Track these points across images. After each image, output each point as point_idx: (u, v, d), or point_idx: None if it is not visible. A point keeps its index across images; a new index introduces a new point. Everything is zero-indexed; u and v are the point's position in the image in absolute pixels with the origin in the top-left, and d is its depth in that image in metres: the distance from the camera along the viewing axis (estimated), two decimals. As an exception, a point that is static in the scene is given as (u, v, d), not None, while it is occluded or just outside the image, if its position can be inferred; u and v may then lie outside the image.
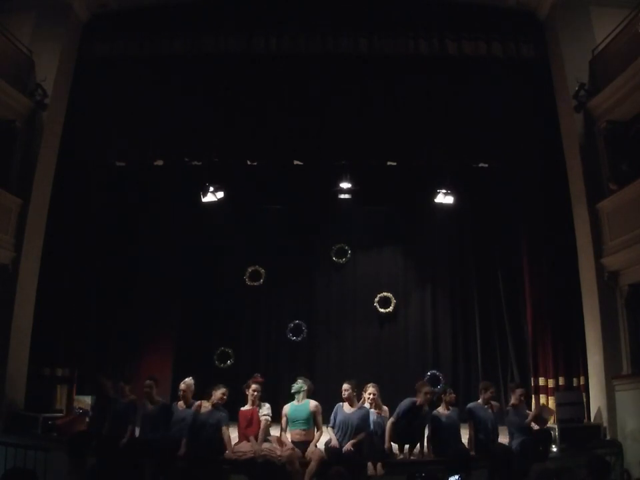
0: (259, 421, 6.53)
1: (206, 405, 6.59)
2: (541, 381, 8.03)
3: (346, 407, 6.58)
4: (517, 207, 8.73)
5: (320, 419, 6.56)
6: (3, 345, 7.33)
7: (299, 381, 6.69)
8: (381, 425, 6.61)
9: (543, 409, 6.93)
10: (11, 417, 7.13)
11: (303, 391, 6.58)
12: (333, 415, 6.58)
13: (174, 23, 8.66)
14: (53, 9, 8.33)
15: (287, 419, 6.54)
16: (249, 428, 6.52)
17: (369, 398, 6.70)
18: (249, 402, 6.67)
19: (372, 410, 6.65)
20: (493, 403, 7.16)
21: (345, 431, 6.39)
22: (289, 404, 6.62)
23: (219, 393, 6.50)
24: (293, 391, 6.63)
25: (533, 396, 8.05)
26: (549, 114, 8.47)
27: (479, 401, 7.07)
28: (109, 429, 6.60)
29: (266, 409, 6.62)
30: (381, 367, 9.90)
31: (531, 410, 7.21)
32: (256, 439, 6.41)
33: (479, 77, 8.59)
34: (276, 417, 6.81)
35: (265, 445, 6.32)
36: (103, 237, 8.47)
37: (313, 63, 8.62)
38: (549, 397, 7.86)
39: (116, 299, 9.02)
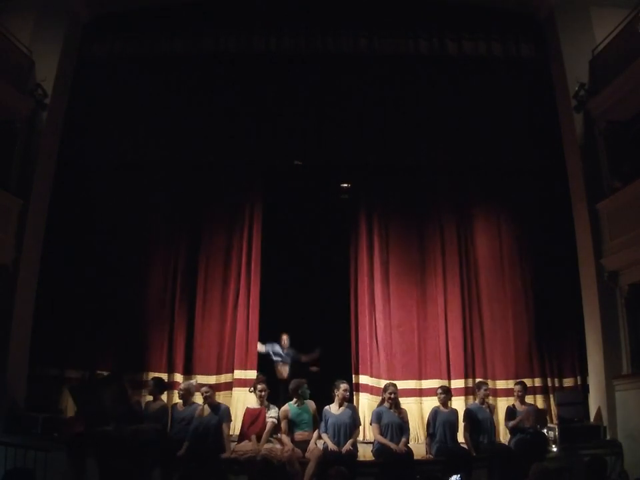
0: (265, 422, 6.54)
1: (207, 408, 6.64)
2: (540, 381, 8.02)
3: (334, 409, 6.61)
4: (517, 207, 8.72)
5: (317, 417, 6.61)
6: (3, 345, 7.32)
7: (305, 386, 6.68)
8: (401, 426, 6.60)
9: (527, 415, 6.88)
10: (11, 417, 7.11)
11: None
12: (322, 420, 6.59)
13: (174, 22, 8.68)
14: (53, 9, 8.34)
15: (289, 422, 6.54)
16: (253, 426, 6.54)
17: (388, 398, 6.69)
18: (257, 401, 6.70)
19: (391, 410, 6.66)
20: (490, 402, 7.19)
21: (339, 432, 6.42)
22: (288, 406, 6.62)
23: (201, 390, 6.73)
24: (305, 398, 6.62)
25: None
26: (549, 114, 8.47)
27: (476, 401, 7.10)
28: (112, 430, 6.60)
29: (274, 412, 6.62)
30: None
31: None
32: (258, 438, 6.43)
33: (479, 76, 8.62)
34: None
35: (266, 445, 6.32)
36: (102, 236, 8.45)
37: (313, 63, 8.63)
38: (548, 397, 7.90)
39: (116, 299, 8.98)
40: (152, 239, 8.58)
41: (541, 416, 7.12)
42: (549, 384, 7.97)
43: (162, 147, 8.53)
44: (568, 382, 7.96)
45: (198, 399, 6.94)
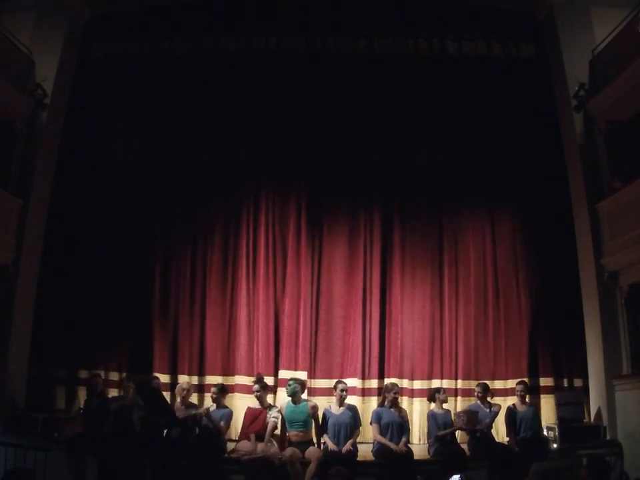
0: (265, 422, 6.55)
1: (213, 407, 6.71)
2: (541, 381, 8.02)
3: (334, 409, 6.63)
4: (517, 207, 8.72)
5: (319, 418, 6.60)
6: (3, 345, 7.32)
7: (291, 382, 6.69)
8: (401, 425, 6.61)
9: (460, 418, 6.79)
10: (11, 417, 7.11)
11: (298, 391, 6.60)
12: (322, 420, 6.59)
13: (174, 23, 8.67)
14: (53, 9, 8.32)
15: (284, 420, 6.56)
16: (253, 425, 6.56)
17: (393, 398, 6.69)
18: (257, 401, 6.72)
19: (391, 410, 6.67)
20: (493, 402, 7.18)
21: (339, 432, 6.43)
22: (286, 404, 6.64)
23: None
24: (288, 394, 6.64)
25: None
26: (548, 114, 8.47)
27: (478, 401, 7.09)
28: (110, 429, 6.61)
29: (275, 412, 6.62)
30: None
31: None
32: (257, 437, 6.44)
33: (479, 77, 8.62)
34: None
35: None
36: (102, 236, 8.45)
37: (313, 63, 8.64)
38: (548, 397, 7.89)
39: (117, 299, 8.98)
40: (152, 238, 8.58)
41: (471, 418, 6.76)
42: (548, 384, 7.98)
43: (162, 146, 8.54)
44: (567, 382, 7.98)
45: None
